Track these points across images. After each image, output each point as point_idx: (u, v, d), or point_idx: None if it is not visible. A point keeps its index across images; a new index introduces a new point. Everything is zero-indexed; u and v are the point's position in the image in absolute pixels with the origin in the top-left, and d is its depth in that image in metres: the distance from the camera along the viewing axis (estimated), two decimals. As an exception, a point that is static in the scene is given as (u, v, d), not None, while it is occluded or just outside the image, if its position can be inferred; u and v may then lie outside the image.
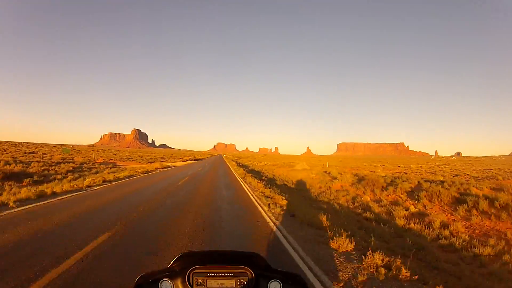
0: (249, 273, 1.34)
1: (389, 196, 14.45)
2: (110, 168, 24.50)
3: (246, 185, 14.72)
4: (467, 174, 29.86)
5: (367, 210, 11.54)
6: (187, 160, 55.29)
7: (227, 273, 1.34)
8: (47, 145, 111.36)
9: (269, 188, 12.75)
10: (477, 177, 26.59)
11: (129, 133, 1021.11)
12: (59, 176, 16.25)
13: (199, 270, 1.34)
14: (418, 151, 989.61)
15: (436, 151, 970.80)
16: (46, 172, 17.89)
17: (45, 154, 40.16)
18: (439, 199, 12.12)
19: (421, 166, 47.96)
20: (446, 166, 50.74)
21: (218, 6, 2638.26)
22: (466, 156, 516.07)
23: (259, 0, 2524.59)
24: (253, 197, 10.60)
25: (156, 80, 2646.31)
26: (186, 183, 14.57)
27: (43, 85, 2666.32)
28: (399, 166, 47.62)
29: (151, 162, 36.11)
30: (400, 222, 9.47)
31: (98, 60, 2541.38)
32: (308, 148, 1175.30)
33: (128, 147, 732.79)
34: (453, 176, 25.63)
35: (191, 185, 13.63)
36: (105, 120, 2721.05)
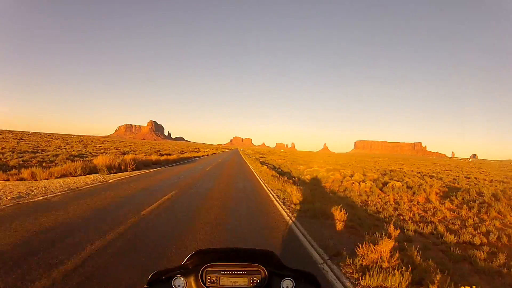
0: (262, 271, 1.31)
1: None
2: None
3: None
4: None
5: None
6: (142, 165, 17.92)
7: (240, 271, 1.31)
8: (51, 135, 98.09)
9: None
10: None
11: (145, 125, 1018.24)
12: None
13: (212, 268, 1.30)
14: (435, 151, 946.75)
15: (452, 152, 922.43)
16: None
17: None
18: None
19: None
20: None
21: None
22: (483, 159, 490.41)
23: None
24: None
25: (174, 72, 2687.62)
26: None
27: (61, 76, 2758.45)
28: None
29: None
30: None
31: (116, 52, 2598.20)
32: (325, 144, 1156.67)
33: (144, 139, 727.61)
34: None
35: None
36: (122, 111, 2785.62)
